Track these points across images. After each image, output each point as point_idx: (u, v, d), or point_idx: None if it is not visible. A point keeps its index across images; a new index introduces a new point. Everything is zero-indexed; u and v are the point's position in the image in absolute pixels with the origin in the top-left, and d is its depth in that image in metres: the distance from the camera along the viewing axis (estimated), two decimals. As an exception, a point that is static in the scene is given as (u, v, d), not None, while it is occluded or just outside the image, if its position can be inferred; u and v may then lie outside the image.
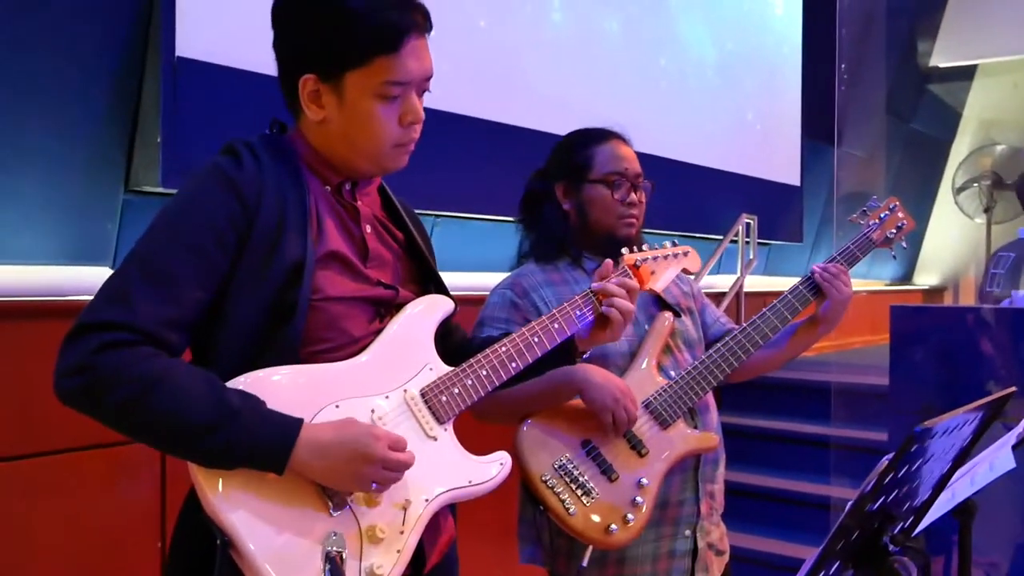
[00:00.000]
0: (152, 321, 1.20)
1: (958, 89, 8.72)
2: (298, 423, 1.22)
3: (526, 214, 2.05)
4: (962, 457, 1.53)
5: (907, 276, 8.93)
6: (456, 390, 1.38)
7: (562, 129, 3.76)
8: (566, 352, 1.54)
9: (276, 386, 1.24)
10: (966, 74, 8.62)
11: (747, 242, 5.44)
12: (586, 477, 1.80)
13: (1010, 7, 7.28)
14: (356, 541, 1.25)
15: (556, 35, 4.30)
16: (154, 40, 2.64)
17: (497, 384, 1.42)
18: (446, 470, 1.35)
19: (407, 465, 1.27)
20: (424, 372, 1.38)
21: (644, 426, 1.86)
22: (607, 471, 1.81)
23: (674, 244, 1.73)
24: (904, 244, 2.06)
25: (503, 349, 1.43)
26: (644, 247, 1.69)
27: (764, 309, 1.96)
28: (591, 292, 1.55)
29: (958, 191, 8.08)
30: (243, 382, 1.24)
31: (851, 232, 2.08)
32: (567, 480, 1.79)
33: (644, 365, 1.92)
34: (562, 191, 2.00)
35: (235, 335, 1.27)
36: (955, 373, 3.00)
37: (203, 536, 1.22)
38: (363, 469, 1.23)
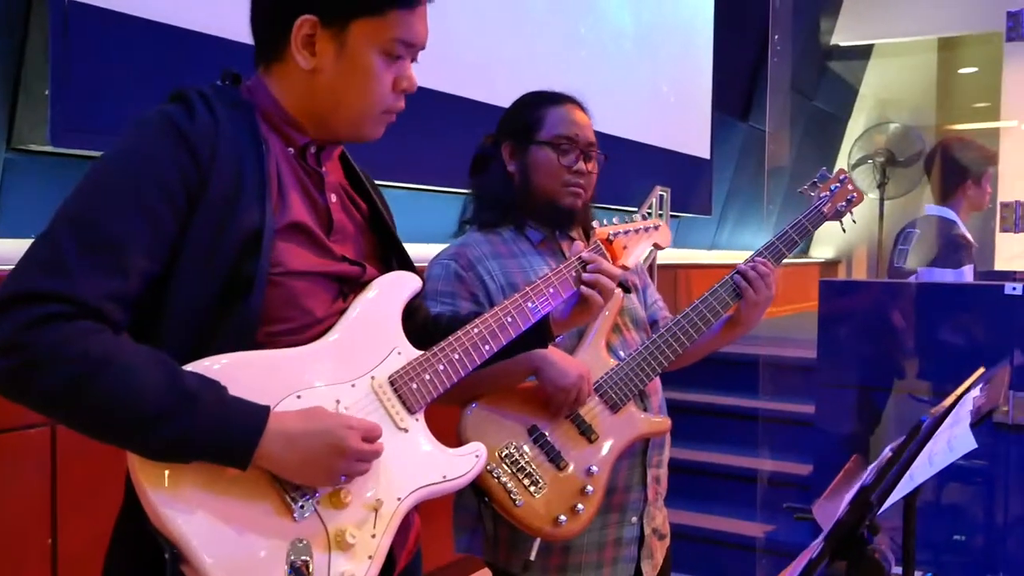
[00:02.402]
0: (94, 294, 1.04)
1: (856, 68, 8.94)
2: (265, 411, 1.10)
3: (473, 177, 1.92)
4: (925, 440, 1.49)
5: (804, 249, 9.14)
6: (427, 376, 1.26)
7: (483, 96, 3.59)
8: (539, 334, 1.44)
9: (228, 374, 1.10)
10: (863, 53, 8.84)
11: (660, 214, 5.42)
12: (534, 466, 1.69)
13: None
14: (324, 548, 1.13)
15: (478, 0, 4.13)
16: (42, -19, 2.38)
17: (470, 368, 1.31)
18: (419, 465, 1.24)
19: (378, 455, 1.16)
20: (392, 357, 1.25)
21: (594, 410, 1.76)
22: (555, 459, 1.70)
23: (644, 217, 1.62)
24: (854, 219, 2.00)
25: (475, 330, 1.32)
26: (615, 220, 1.58)
27: (716, 286, 1.88)
28: (575, 264, 1.46)
29: (853, 167, 8.30)
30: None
31: (781, 208, 2.01)
32: (514, 469, 1.67)
33: (592, 344, 1.81)
34: (508, 152, 1.87)
35: (183, 314, 1.12)
36: (881, 347, 3.02)
37: (146, 549, 1.07)
38: (336, 463, 1.11)
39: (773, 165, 4.39)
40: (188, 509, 1.06)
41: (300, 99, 1.23)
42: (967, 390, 1.34)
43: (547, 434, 1.71)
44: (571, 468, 1.71)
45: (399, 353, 1.26)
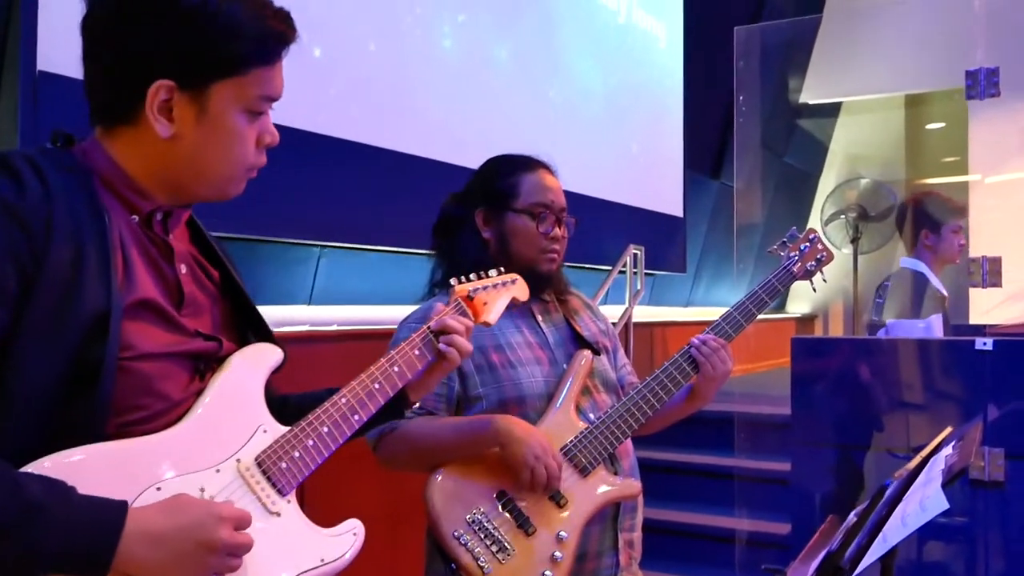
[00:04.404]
0: None
1: (825, 125, 9.11)
2: (122, 509, 0.99)
3: (441, 240, 1.91)
4: (897, 500, 1.48)
5: (780, 305, 9.20)
6: (297, 453, 1.18)
7: (452, 158, 3.62)
8: (397, 402, 1.37)
9: (75, 471, 0.99)
10: (832, 111, 9.00)
11: (635, 273, 5.45)
12: (502, 532, 1.66)
13: (871, 49, 7.64)
14: None
15: (446, 62, 4.19)
16: (12, 52, 2.39)
17: (341, 441, 1.24)
18: (294, 550, 1.16)
19: (249, 547, 1.07)
20: (258, 436, 1.17)
21: (563, 475, 1.73)
22: (524, 525, 1.68)
23: (499, 272, 1.60)
24: (824, 278, 2.01)
25: (343, 401, 1.25)
26: (472, 276, 1.55)
27: (675, 355, 1.88)
28: (429, 331, 1.40)
29: (826, 222, 8.39)
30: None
31: (750, 265, 2.03)
32: (481, 535, 1.65)
33: (562, 407, 1.80)
34: (483, 218, 1.87)
35: (27, 404, 1.01)
36: (855, 403, 3.02)
37: None
38: (207, 559, 1.02)
39: (743, 222, 4.43)
40: None
41: (151, 165, 1.14)
42: (934, 451, 1.33)
43: (516, 500, 1.69)
44: (540, 534, 1.68)
45: (265, 431, 1.18)
